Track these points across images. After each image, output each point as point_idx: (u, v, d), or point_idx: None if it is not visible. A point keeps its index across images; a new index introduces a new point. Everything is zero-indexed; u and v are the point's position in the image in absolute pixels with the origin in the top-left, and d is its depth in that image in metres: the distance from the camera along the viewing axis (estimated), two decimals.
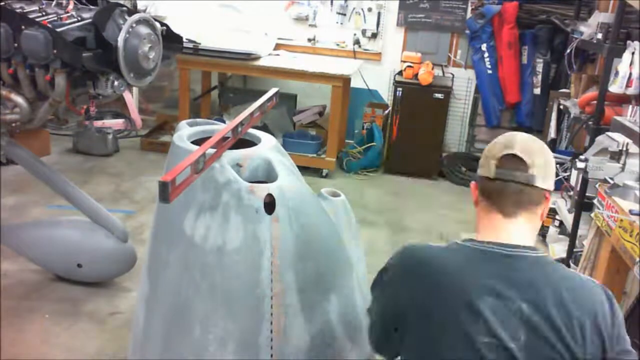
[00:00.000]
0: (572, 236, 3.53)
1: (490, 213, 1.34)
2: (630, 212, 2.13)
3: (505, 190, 1.31)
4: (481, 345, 1.20)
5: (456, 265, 1.29)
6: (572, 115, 4.04)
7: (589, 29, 3.94)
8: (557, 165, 3.89)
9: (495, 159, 1.33)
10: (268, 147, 1.89)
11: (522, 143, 1.34)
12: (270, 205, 1.66)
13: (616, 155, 2.71)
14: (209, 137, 1.70)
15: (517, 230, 1.32)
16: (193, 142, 1.85)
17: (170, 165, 1.80)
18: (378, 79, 5.55)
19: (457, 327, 1.22)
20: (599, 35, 3.72)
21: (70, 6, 2.66)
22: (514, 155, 1.31)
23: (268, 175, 1.81)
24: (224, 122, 3.87)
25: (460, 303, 1.23)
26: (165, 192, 1.39)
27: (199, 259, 1.70)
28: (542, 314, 1.21)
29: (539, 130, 5.33)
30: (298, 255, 1.68)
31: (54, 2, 2.66)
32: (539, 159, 1.32)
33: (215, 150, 1.64)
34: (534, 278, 1.25)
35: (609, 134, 2.87)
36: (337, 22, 5.53)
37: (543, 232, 4.15)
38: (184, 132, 1.93)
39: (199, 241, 1.69)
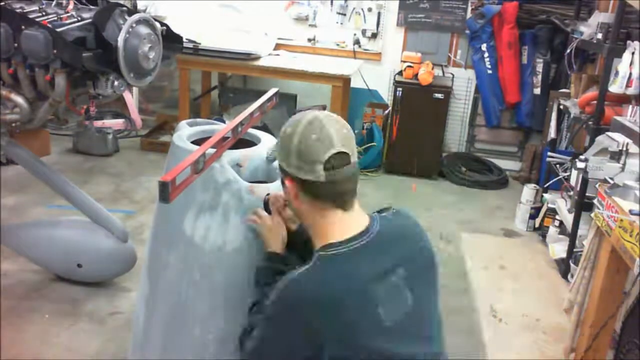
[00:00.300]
0: (572, 236, 3.53)
1: (327, 212, 1.35)
2: (630, 212, 2.13)
3: (339, 189, 1.33)
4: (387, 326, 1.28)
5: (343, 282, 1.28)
6: (572, 115, 4.05)
7: (589, 29, 3.94)
8: (557, 165, 3.91)
9: (320, 162, 1.29)
10: (268, 147, 1.89)
11: (339, 135, 1.31)
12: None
13: (616, 155, 2.72)
14: (209, 137, 1.70)
15: (358, 218, 1.38)
16: (193, 142, 1.85)
17: (170, 165, 1.80)
18: (378, 79, 5.55)
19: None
20: (599, 35, 3.72)
21: (70, 6, 2.66)
22: (338, 153, 1.30)
23: (268, 175, 1.81)
24: (224, 122, 3.87)
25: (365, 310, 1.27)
26: (165, 192, 1.39)
27: (198, 259, 1.70)
28: (413, 266, 1.36)
29: (539, 130, 5.35)
30: None
31: (54, 2, 2.66)
32: (352, 141, 1.35)
33: (215, 150, 1.64)
34: (394, 242, 1.37)
35: (609, 134, 2.88)
36: (337, 22, 5.53)
37: (543, 232, 4.16)
38: (184, 132, 1.93)
39: (198, 241, 1.69)
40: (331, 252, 1.30)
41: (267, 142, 1.93)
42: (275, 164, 1.49)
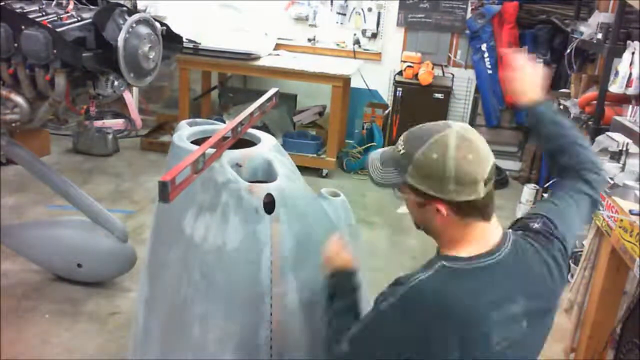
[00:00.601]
0: None
1: (473, 226, 1.29)
2: (630, 212, 2.13)
3: (490, 200, 1.29)
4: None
5: (467, 293, 1.24)
6: (572, 115, 4.05)
7: (589, 29, 3.94)
8: None
9: (482, 179, 1.24)
10: (268, 147, 1.89)
11: (484, 144, 1.27)
12: (270, 205, 1.66)
13: (616, 155, 2.72)
14: (208, 137, 1.70)
15: (494, 231, 1.32)
16: (193, 142, 1.86)
17: (170, 165, 1.80)
18: (378, 79, 5.55)
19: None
20: (599, 35, 3.72)
21: (70, 6, 2.65)
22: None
23: (268, 175, 1.81)
24: (223, 122, 3.88)
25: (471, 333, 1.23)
26: (165, 191, 1.39)
27: (198, 259, 1.70)
28: (534, 302, 1.29)
29: None
30: (297, 254, 1.69)
31: (54, 2, 2.66)
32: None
33: (215, 150, 1.64)
34: (521, 270, 1.30)
35: (609, 134, 2.88)
36: (337, 22, 5.52)
37: None
38: (184, 132, 1.93)
39: (198, 241, 1.69)
40: (457, 265, 1.26)
41: (267, 142, 1.93)
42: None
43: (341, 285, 1.50)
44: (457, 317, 1.21)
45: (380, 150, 1.44)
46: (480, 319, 1.22)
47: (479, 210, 1.28)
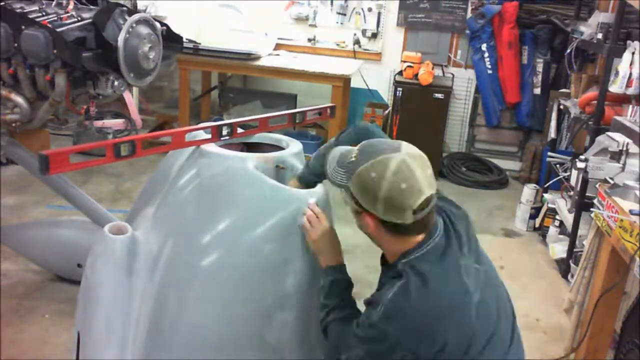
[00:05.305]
0: (572, 236, 3.53)
1: (407, 240, 1.39)
2: (630, 212, 2.13)
3: (423, 223, 1.36)
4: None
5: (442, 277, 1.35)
6: (572, 115, 4.05)
7: (589, 29, 3.94)
8: (557, 165, 3.91)
9: (410, 209, 1.30)
10: (294, 152, 1.93)
11: (425, 179, 1.32)
12: None
13: (616, 155, 2.72)
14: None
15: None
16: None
17: (166, 165, 1.82)
18: (378, 79, 5.55)
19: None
20: (599, 35, 3.72)
21: (70, 6, 2.65)
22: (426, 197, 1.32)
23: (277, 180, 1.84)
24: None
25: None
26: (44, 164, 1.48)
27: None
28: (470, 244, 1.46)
29: (539, 130, 5.35)
30: None
31: (54, 2, 2.66)
32: (433, 178, 1.36)
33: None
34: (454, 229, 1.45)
35: (609, 134, 2.88)
36: (337, 22, 5.53)
37: (543, 232, 4.16)
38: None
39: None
40: (414, 255, 1.37)
41: (294, 147, 1.99)
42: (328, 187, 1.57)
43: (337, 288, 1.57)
44: (454, 307, 1.34)
45: (342, 148, 1.47)
46: (465, 297, 1.35)
47: (412, 230, 1.36)
